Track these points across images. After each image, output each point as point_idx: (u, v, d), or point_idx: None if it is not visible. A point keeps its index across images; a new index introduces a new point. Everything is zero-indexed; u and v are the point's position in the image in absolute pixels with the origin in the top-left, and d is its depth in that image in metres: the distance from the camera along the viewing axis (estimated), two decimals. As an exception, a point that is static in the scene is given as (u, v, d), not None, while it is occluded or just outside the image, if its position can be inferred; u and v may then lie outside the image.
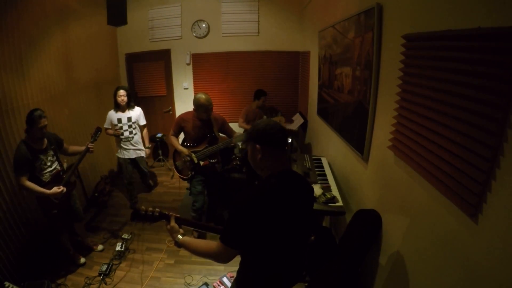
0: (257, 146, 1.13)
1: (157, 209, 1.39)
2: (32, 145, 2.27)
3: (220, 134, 2.96)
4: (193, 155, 2.74)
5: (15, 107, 2.63)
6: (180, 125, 2.81)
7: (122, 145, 3.45)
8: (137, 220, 1.37)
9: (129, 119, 3.39)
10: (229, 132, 2.92)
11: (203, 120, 2.73)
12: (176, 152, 2.88)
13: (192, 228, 2.20)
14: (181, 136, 2.97)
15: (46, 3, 3.10)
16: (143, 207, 1.40)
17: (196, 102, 2.64)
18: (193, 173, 2.81)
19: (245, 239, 1.08)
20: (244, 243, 1.09)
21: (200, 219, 3.05)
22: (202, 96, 2.63)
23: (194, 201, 2.92)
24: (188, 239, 1.27)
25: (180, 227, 1.34)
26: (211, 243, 1.16)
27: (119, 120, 3.37)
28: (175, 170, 2.98)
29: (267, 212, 1.05)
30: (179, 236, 1.28)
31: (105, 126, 3.39)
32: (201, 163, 2.76)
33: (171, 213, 1.38)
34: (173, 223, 1.34)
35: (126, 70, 5.03)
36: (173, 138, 2.87)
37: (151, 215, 1.38)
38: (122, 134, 3.37)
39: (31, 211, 2.70)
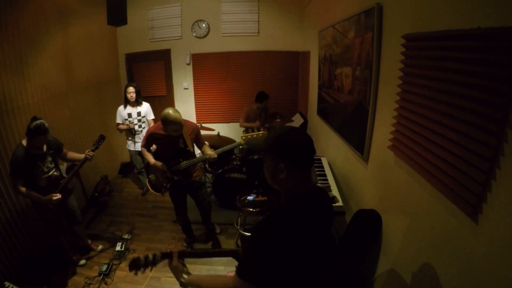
0: (282, 165, 0.96)
1: (158, 253, 1.26)
2: (30, 150, 2.20)
3: None
4: (168, 170, 2.54)
5: (15, 107, 2.63)
6: (149, 140, 2.58)
7: (133, 138, 3.74)
8: (137, 269, 1.25)
9: (139, 113, 3.71)
10: (200, 143, 2.67)
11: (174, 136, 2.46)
12: (149, 165, 2.62)
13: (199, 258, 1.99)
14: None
15: (46, 3, 3.10)
16: (141, 256, 1.26)
17: (163, 121, 2.32)
18: (167, 186, 2.62)
19: (265, 274, 0.95)
20: (264, 277, 0.96)
21: (188, 228, 2.99)
22: (171, 113, 2.29)
23: (176, 213, 2.90)
24: (195, 277, 1.15)
25: (184, 264, 1.22)
26: (224, 279, 1.04)
27: (129, 115, 3.66)
28: (148, 184, 2.76)
29: (290, 243, 0.92)
30: (184, 276, 1.15)
31: (117, 121, 3.69)
32: (175, 177, 2.59)
33: (174, 250, 1.25)
34: (176, 262, 1.20)
35: (126, 70, 5.04)
36: (144, 151, 2.62)
37: (152, 260, 1.26)
38: (134, 128, 3.66)
39: (32, 211, 2.70)
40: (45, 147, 2.33)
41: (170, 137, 2.44)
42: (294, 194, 0.99)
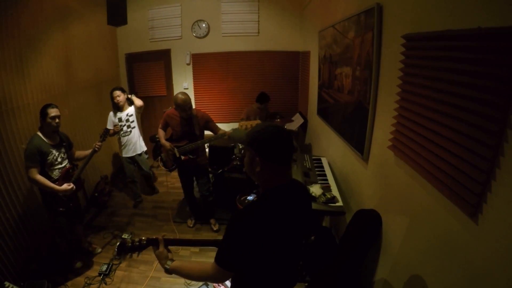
0: (257, 158, 1.00)
1: (143, 238, 1.31)
2: (45, 139, 2.31)
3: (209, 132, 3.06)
4: (175, 149, 2.87)
5: (15, 107, 2.63)
6: (166, 120, 2.97)
7: (121, 141, 3.57)
8: (124, 253, 1.29)
9: (127, 114, 3.46)
10: (214, 129, 2.98)
11: (185, 118, 2.84)
12: (160, 144, 3.06)
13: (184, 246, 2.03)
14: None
15: (46, 3, 3.10)
16: (128, 239, 1.32)
17: (174, 101, 2.74)
18: (175, 165, 3.00)
19: (241, 261, 1.01)
20: (240, 265, 1.02)
21: (195, 205, 3.34)
22: (179, 96, 2.71)
23: (183, 189, 3.26)
24: (178, 264, 1.19)
25: (169, 251, 1.27)
26: (205, 266, 1.09)
27: (120, 119, 3.44)
28: (159, 161, 3.15)
29: (263, 234, 0.98)
30: (169, 262, 1.20)
31: (107, 127, 3.40)
32: (182, 157, 2.90)
33: (159, 237, 1.28)
34: (161, 248, 1.25)
35: (126, 70, 5.04)
36: (160, 132, 3.02)
37: (138, 245, 1.29)
38: (122, 129, 3.46)
39: (32, 211, 2.70)
40: (58, 139, 2.43)
41: (181, 119, 2.86)
42: (270, 187, 1.04)
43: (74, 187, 2.41)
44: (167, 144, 2.90)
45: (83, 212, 2.82)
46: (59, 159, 2.41)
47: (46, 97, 3.08)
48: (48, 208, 2.46)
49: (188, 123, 2.87)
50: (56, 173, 2.39)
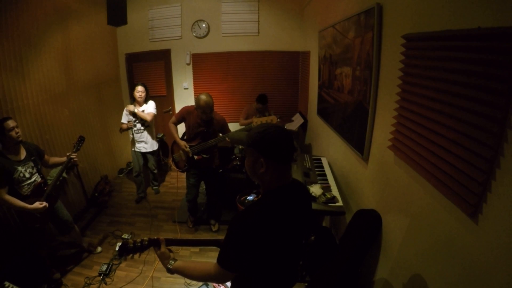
0: (262, 159, 1.00)
1: (145, 238, 1.31)
2: (8, 156, 2.14)
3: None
4: (189, 148, 2.83)
5: (15, 107, 2.63)
6: (183, 116, 2.87)
7: (134, 137, 3.63)
8: (126, 254, 1.30)
9: (142, 111, 3.54)
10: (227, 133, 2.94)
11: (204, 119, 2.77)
12: (175, 144, 2.97)
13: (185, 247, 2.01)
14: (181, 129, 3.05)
15: (46, 3, 3.10)
16: (130, 240, 1.31)
17: (196, 102, 2.67)
18: (187, 165, 2.94)
19: (244, 263, 1.01)
20: (242, 266, 1.02)
21: (194, 209, 3.28)
22: (203, 97, 2.62)
23: (187, 193, 3.15)
24: (181, 264, 1.18)
25: (170, 251, 1.27)
26: (207, 266, 1.08)
27: (134, 115, 3.52)
28: (171, 162, 3.09)
29: (266, 235, 0.98)
30: (171, 262, 1.20)
31: (122, 121, 3.59)
32: (195, 157, 2.85)
33: (161, 237, 1.29)
34: (163, 248, 1.24)
35: (126, 70, 5.03)
36: (172, 127, 2.92)
37: (140, 245, 1.29)
38: (135, 125, 3.56)
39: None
40: (24, 154, 2.26)
41: (199, 119, 2.76)
42: (272, 188, 1.05)
43: (47, 205, 2.24)
44: (182, 143, 2.81)
45: (70, 221, 2.65)
46: (27, 175, 2.22)
47: (46, 97, 3.09)
48: (22, 224, 2.34)
49: (207, 123, 2.79)
50: (25, 189, 2.22)
